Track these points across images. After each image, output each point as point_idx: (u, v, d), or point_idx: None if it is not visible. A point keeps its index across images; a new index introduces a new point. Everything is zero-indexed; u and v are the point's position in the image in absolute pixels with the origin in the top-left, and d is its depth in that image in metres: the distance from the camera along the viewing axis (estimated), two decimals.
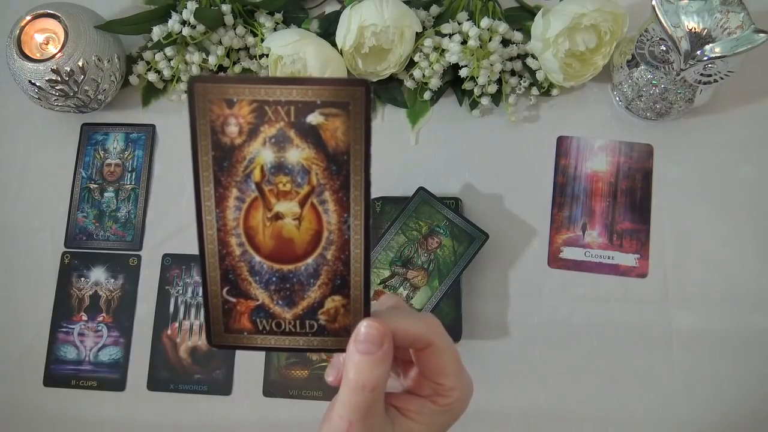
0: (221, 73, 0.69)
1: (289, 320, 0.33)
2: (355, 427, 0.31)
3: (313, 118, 0.29)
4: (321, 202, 0.30)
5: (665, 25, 0.55)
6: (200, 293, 0.66)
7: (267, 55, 0.65)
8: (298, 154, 0.30)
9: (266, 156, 0.30)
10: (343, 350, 0.31)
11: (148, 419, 0.65)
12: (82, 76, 0.64)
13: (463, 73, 0.64)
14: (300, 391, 0.64)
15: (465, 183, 0.67)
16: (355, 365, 0.30)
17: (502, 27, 0.64)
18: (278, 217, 0.31)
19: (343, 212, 0.31)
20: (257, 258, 0.32)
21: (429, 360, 0.33)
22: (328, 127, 0.29)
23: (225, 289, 0.32)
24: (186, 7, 0.65)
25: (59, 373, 0.66)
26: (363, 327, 0.30)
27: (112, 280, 0.68)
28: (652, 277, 0.64)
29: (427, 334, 0.32)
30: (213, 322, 0.33)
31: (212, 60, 0.67)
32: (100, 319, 0.67)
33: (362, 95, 0.29)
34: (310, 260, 0.32)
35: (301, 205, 0.31)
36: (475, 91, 0.66)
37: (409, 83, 0.68)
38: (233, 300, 0.32)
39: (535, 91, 0.67)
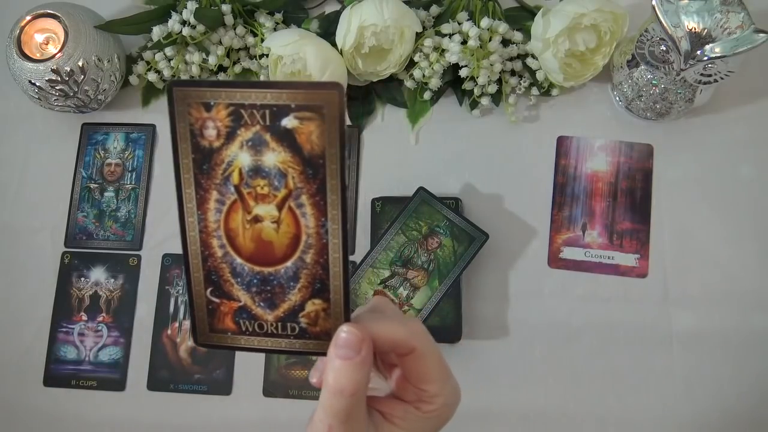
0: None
1: (271, 322, 0.33)
2: (335, 430, 0.31)
3: (288, 122, 0.29)
4: (298, 206, 0.30)
5: (665, 25, 0.55)
6: None
7: (267, 55, 0.65)
8: (274, 157, 0.30)
9: (244, 159, 0.30)
10: (324, 354, 0.31)
11: (148, 419, 0.65)
12: (82, 76, 0.64)
13: (463, 73, 0.64)
14: (300, 391, 0.64)
15: (465, 183, 0.67)
16: (334, 370, 0.30)
17: (502, 27, 0.64)
18: (257, 219, 0.31)
19: (321, 216, 0.30)
20: (238, 260, 0.32)
21: (412, 365, 0.33)
22: (303, 130, 0.29)
23: (209, 290, 0.33)
24: (186, 7, 0.65)
25: (59, 373, 0.66)
26: (342, 332, 0.30)
27: (112, 280, 0.68)
28: (652, 277, 0.64)
29: (408, 340, 0.32)
30: (198, 321, 0.33)
31: (212, 60, 0.67)
32: (100, 319, 0.67)
33: (336, 99, 0.28)
34: (289, 263, 0.32)
35: (279, 208, 0.31)
36: (475, 91, 0.66)
37: (409, 83, 0.68)
38: (217, 300, 0.33)
39: (535, 91, 0.67)
